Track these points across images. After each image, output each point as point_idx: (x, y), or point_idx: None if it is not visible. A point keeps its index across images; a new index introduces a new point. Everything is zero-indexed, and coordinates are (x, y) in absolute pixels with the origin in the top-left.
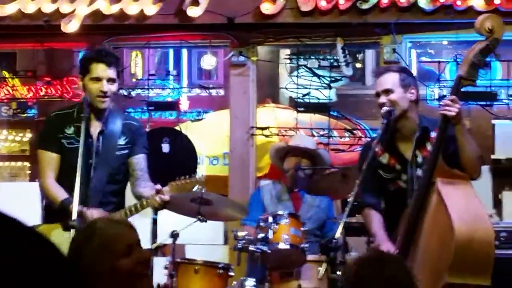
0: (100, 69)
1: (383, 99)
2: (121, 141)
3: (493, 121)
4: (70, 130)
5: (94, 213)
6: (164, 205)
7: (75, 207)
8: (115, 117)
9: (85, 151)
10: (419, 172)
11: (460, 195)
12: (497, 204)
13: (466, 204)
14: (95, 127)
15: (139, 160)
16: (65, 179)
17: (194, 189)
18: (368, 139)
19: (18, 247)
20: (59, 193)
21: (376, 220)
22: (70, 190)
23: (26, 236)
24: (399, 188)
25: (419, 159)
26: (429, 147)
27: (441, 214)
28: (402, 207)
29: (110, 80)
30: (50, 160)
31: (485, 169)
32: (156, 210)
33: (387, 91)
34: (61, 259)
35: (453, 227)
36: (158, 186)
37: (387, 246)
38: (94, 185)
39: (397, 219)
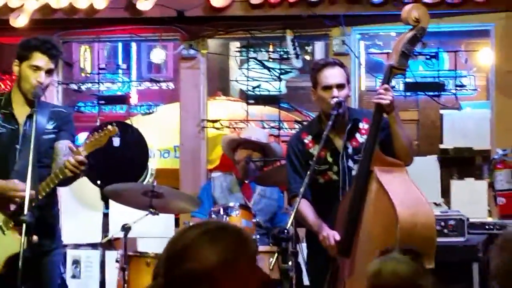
0: (42, 60)
1: (335, 93)
2: (49, 126)
3: (441, 111)
4: None
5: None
6: (80, 167)
7: (26, 201)
8: (43, 106)
9: (11, 137)
10: (350, 163)
11: (399, 182)
12: (446, 192)
13: (405, 190)
14: (23, 112)
15: (64, 146)
16: None
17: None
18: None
19: None
20: None
21: (310, 209)
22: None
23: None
24: (330, 180)
25: (350, 150)
26: (359, 138)
27: (382, 201)
28: (332, 199)
29: (48, 72)
30: None
31: (433, 158)
32: (73, 178)
33: (341, 86)
34: None
35: (396, 213)
36: (72, 146)
37: (329, 232)
38: (20, 170)
39: (326, 212)
